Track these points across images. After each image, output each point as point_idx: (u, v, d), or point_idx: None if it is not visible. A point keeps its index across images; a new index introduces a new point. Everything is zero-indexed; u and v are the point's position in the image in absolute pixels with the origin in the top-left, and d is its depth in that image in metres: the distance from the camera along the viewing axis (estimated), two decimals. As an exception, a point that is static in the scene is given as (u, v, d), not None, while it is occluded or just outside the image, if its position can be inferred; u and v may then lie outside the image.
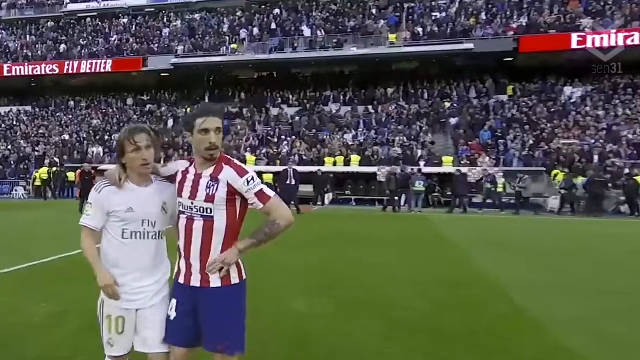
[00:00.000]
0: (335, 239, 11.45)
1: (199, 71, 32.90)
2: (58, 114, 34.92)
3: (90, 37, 36.78)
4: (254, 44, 31.88)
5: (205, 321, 2.44)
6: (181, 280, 2.49)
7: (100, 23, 37.71)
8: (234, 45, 32.02)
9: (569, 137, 23.30)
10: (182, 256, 2.50)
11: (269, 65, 32.06)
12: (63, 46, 36.25)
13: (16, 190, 27.41)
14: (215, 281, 2.44)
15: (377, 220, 17.07)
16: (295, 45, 31.00)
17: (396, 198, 20.81)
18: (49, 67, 34.79)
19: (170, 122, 31.12)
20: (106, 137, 30.61)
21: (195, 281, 2.45)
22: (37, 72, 34.90)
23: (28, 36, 38.51)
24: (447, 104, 27.73)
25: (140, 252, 2.49)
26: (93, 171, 18.78)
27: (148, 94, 34.57)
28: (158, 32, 35.54)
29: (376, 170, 23.73)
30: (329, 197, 24.01)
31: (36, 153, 29.83)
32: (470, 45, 27.27)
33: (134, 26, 36.80)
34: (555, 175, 20.86)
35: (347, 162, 24.75)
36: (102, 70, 33.79)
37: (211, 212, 2.42)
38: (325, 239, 11.42)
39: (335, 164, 24.80)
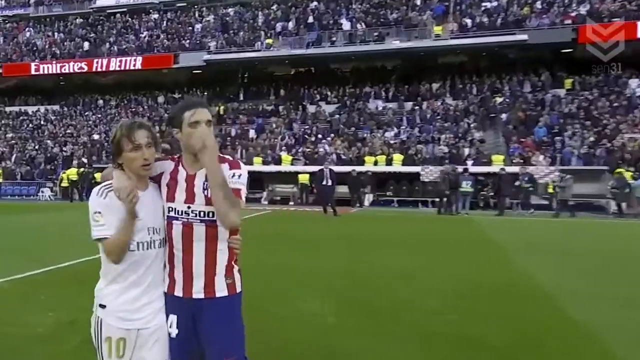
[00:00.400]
0: (370, 243, 11.90)
1: (232, 68, 34.31)
2: (86, 113, 36.93)
3: (120, 34, 38.69)
4: (290, 39, 33.06)
5: (211, 335, 2.42)
6: (178, 292, 2.45)
7: (130, 19, 39.73)
8: (268, 40, 33.25)
9: (635, 132, 23.32)
10: (178, 267, 2.45)
11: (306, 61, 33.23)
12: (88, 43, 38.26)
13: (42, 192, 29.09)
14: (221, 290, 2.45)
15: (419, 223, 17.66)
16: (334, 39, 31.96)
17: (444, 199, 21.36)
18: (78, 64, 36.87)
19: (202, 121, 32.34)
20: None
21: (198, 292, 2.43)
22: (65, 70, 37.05)
23: (56, 33, 40.81)
24: (498, 99, 28.08)
25: (148, 264, 2.42)
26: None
27: (179, 91, 36.13)
28: (190, 27, 37.23)
29: (419, 170, 24.29)
30: (368, 198, 24.71)
31: (64, 153, 31.57)
32: (523, 37, 27.62)
33: (164, 22, 38.63)
34: (619, 174, 20.95)
35: (388, 162, 25.42)
36: (132, 68, 35.59)
37: (213, 216, 2.40)
38: (358, 243, 11.89)
39: (376, 163, 25.50)
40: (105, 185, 2.40)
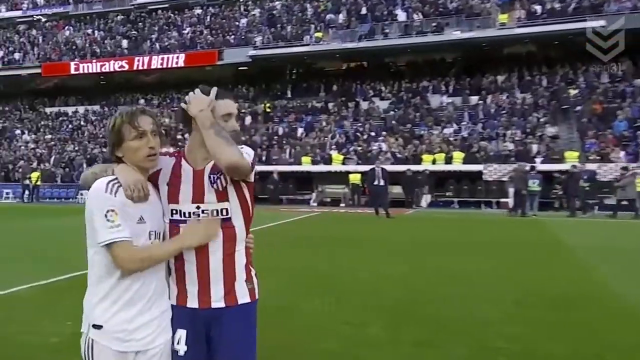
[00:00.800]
0: (424, 246, 12.17)
1: (279, 63, 35.30)
2: (127, 113, 38.35)
3: (162, 31, 40.44)
4: (340, 32, 33.80)
5: (227, 346, 2.36)
6: (192, 304, 2.37)
7: (172, 15, 41.44)
8: (318, 34, 34.10)
9: None
10: (190, 275, 2.36)
11: (358, 55, 33.95)
12: (125, 42, 40.11)
13: (81, 194, 30.50)
14: (243, 296, 2.41)
15: (482, 225, 17.79)
16: (387, 31, 32.48)
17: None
18: (118, 63, 38.66)
19: (249, 119, 33.54)
20: (178, 137, 33.35)
21: (218, 301, 2.36)
22: (105, 69, 38.95)
23: (96, 31, 42.96)
24: (573, 92, 27.83)
25: (149, 274, 2.29)
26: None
27: (224, 89, 36.72)
28: (234, 22, 38.50)
29: (482, 169, 24.37)
30: (426, 199, 24.92)
31: (104, 155, 33.03)
32: (601, 22, 27.30)
33: (208, 17, 40.12)
34: None
35: (448, 160, 25.59)
36: (174, 66, 37.08)
37: (228, 213, 2.37)
38: (411, 246, 12.19)
39: (434, 161, 25.70)
40: (112, 181, 2.26)
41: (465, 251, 11.35)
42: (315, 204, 26.68)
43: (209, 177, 2.34)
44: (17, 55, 42.47)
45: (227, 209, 2.35)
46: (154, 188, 2.39)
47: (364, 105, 32.11)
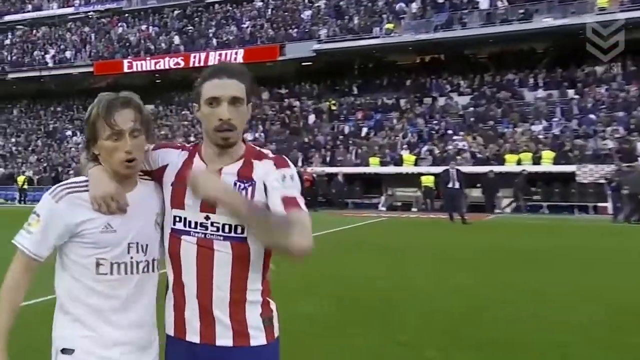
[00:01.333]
0: (501, 257, 11.88)
1: (346, 58, 35.80)
2: (183, 112, 40.01)
3: (220, 25, 41.86)
4: (414, 22, 34.09)
5: None
6: (192, 337, 2.14)
7: (230, 8, 42.83)
8: (389, 25, 34.49)
9: None
10: (191, 301, 2.14)
11: (433, 47, 34.08)
12: (185, 37, 41.57)
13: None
14: (258, 336, 2.15)
15: (572, 233, 17.38)
16: (466, 20, 32.44)
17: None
18: (174, 60, 40.16)
19: (312, 118, 34.25)
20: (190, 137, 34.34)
21: (224, 338, 2.11)
22: (160, 66, 40.62)
23: (151, 27, 44.88)
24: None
25: (125, 296, 2.11)
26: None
27: (286, 86, 38.43)
28: (298, 14, 39.36)
29: (575, 170, 23.97)
30: (509, 202, 24.74)
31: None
32: None
33: (269, 10, 41.20)
34: None
35: (536, 160, 25.29)
36: (233, 61, 37.88)
37: (243, 232, 2.10)
38: (486, 256, 12.00)
39: (519, 162, 25.47)
40: (68, 185, 2.13)
41: (549, 264, 11.01)
42: (384, 209, 26.87)
43: (235, 184, 2.11)
44: (68, 54, 44.93)
45: (243, 227, 2.09)
46: (152, 188, 2.23)
47: (441, 101, 32.20)
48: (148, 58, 41.24)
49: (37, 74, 44.24)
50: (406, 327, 6.34)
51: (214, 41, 40.36)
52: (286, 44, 36.78)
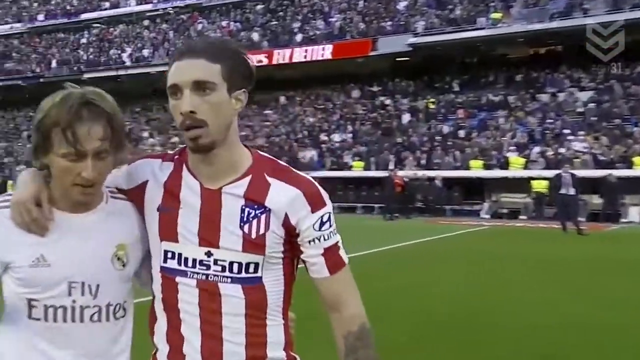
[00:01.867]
0: (619, 275, 11.34)
1: (446, 52, 35.65)
2: (265, 112, 40.88)
3: (306, 20, 42.62)
4: (525, 11, 33.54)
5: None
6: None
7: (318, 1, 43.62)
8: (495, 15, 34.14)
9: None
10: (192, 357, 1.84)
11: (549, 38, 33.38)
12: (268, 32, 42.49)
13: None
14: None
15: None
16: (587, 6, 31.63)
17: None
18: (256, 57, 40.88)
19: (407, 117, 34.27)
20: (323, 138, 34.66)
21: None
22: (241, 64, 41.38)
23: (232, 23, 46.13)
24: None
25: (65, 346, 1.79)
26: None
27: (379, 83, 38.50)
28: (393, 6, 39.57)
29: None
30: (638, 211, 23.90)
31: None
32: None
33: (361, 1, 41.55)
34: None
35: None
36: (320, 58, 38.74)
37: (257, 271, 1.82)
38: (599, 270, 11.69)
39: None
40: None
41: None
42: (487, 216, 26.54)
43: (242, 210, 1.80)
44: (145, 52, 46.82)
45: (257, 265, 1.81)
46: (121, 211, 1.90)
47: (560, 97, 31.49)
48: (229, 55, 42.27)
49: (113, 73, 46.22)
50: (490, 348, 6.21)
51: (299, 36, 41.03)
52: (379, 38, 36.95)
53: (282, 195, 1.80)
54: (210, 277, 1.79)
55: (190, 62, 1.74)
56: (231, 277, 1.79)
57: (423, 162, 29.74)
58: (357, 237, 18.00)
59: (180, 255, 1.81)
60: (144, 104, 47.36)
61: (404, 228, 21.58)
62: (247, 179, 1.82)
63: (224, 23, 46.71)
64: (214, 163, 1.80)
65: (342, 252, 1.88)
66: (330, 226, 1.85)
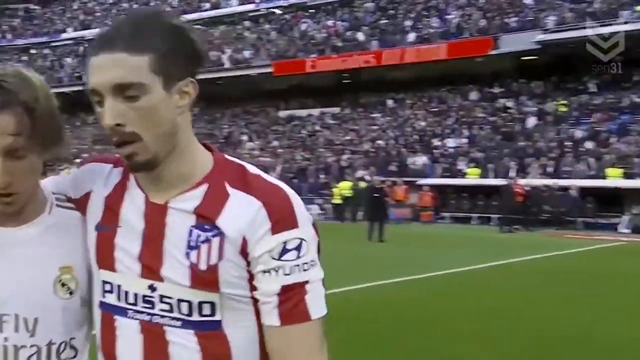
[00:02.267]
0: None
1: (581, 50, 33.84)
2: (373, 116, 40.70)
3: (419, 17, 42.33)
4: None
5: None
6: None
7: (433, -2, 43.07)
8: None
9: None
10: None
11: None
12: (378, 32, 42.04)
13: (310, 209, 32.27)
14: None
15: None
16: None
17: None
18: (364, 58, 40.95)
19: (532, 122, 33.28)
20: (436, 143, 33.95)
21: None
22: (348, 65, 41.74)
23: (339, 22, 46.27)
24: None
25: None
26: (385, 187, 21.55)
27: (501, 84, 37.68)
28: (519, 0, 38.71)
29: None
30: None
31: (340, 164, 34.87)
32: None
33: (482, -4, 40.77)
34: None
35: None
36: (434, 58, 38.28)
37: (215, 314, 1.44)
38: None
39: None
40: None
41: None
42: (627, 230, 25.38)
43: (190, 232, 1.43)
44: (246, 53, 47.45)
45: (213, 305, 1.43)
46: (83, 222, 1.59)
47: None
48: (334, 56, 42.42)
49: (213, 75, 46.89)
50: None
51: (412, 35, 40.69)
52: (501, 36, 36.39)
53: (241, 210, 1.41)
54: (155, 319, 1.44)
55: (107, 57, 1.35)
56: (181, 320, 1.43)
57: (550, 169, 28.81)
58: (469, 249, 17.86)
59: (119, 287, 1.47)
60: (244, 107, 47.96)
61: (523, 241, 21.22)
62: (202, 189, 1.45)
63: (329, 22, 46.85)
64: (161, 177, 1.45)
65: (312, 299, 1.43)
66: (300, 257, 1.41)
